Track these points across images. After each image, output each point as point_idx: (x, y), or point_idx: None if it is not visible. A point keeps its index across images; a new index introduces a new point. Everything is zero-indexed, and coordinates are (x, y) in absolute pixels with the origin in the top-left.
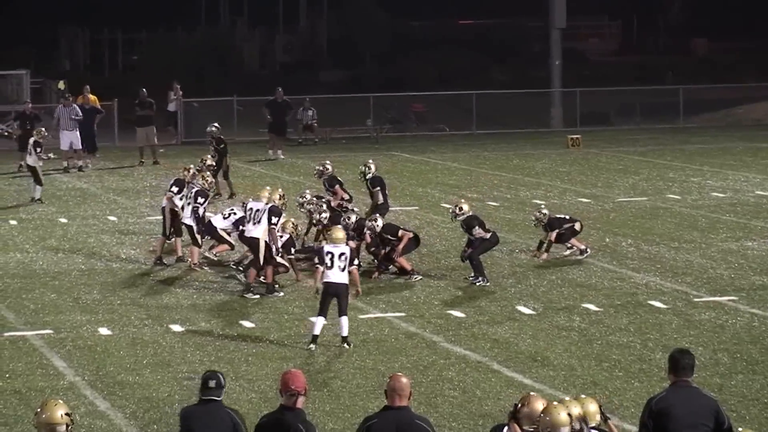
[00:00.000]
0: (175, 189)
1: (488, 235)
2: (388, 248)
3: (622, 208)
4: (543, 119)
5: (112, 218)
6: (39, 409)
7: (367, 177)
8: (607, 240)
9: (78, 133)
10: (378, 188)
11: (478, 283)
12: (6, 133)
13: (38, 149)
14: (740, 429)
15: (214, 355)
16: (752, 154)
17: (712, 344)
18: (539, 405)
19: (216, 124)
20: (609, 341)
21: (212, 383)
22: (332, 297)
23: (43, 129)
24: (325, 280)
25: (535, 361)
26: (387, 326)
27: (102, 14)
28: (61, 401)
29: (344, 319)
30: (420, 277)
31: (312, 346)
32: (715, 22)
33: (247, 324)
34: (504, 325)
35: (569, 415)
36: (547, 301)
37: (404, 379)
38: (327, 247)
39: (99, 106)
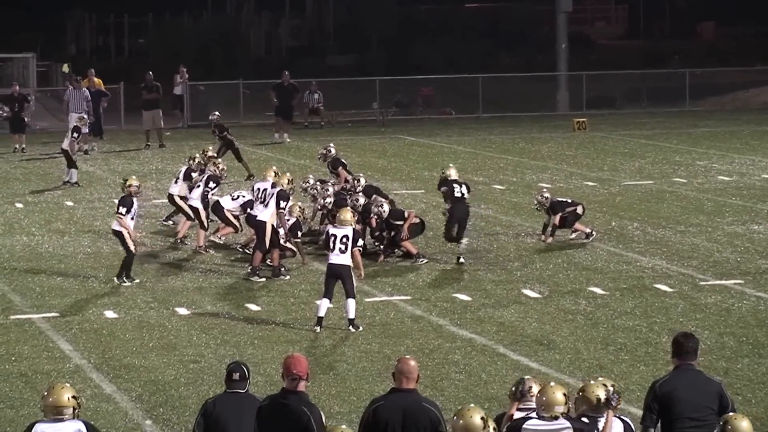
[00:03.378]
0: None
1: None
2: (393, 233)
3: (628, 192)
4: (549, 103)
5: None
6: (46, 393)
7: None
8: (613, 223)
9: (86, 116)
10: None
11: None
12: (4, 113)
13: (75, 134)
14: (731, 414)
15: (220, 338)
16: (758, 138)
17: (718, 328)
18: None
19: (217, 112)
20: (615, 325)
21: (236, 375)
22: (336, 279)
23: (86, 116)
24: (329, 261)
25: (541, 344)
26: (393, 310)
27: None
28: (68, 384)
29: (350, 302)
30: (426, 261)
31: (317, 328)
32: (721, 6)
33: (253, 307)
34: (510, 309)
35: (564, 395)
36: (553, 285)
37: (412, 362)
38: (331, 230)
39: (104, 89)
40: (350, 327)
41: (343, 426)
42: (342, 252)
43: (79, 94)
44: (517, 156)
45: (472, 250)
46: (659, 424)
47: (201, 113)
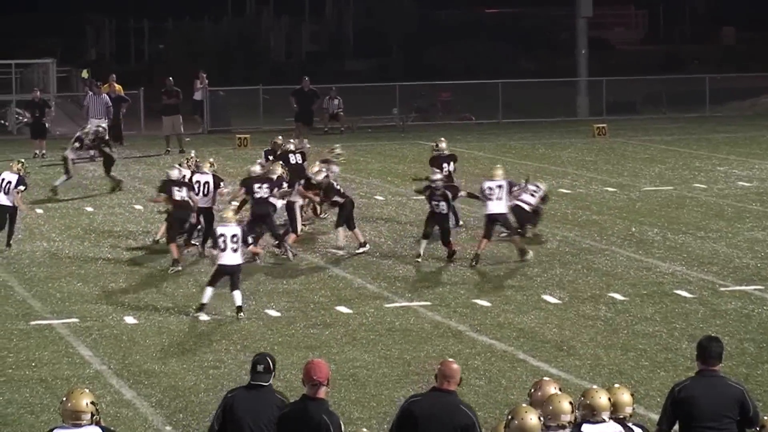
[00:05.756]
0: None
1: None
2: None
3: (648, 197)
4: (569, 108)
5: (138, 207)
6: (64, 398)
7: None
8: (633, 229)
9: (106, 122)
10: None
11: None
12: (25, 119)
13: (77, 144)
14: (766, 417)
15: (240, 344)
16: None
17: (738, 334)
18: (552, 389)
19: (104, 124)
20: (635, 330)
21: (260, 367)
22: (225, 275)
23: (103, 124)
24: (219, 262)
25: (560, 350)
26: (413, 315)
27: (128, 3)
28: (87, 390)
29: (237, 293)
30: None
31: (199, 314)
32: (741, 11)
33: (272, 313)
34: (530, 315)
35: (571, 403)
36: (573, 291)
37: (455, 366)
38: (219, 229)
39: (124, 95)
40: (239, 314)
41: (364, 429)
42: (234, 251)
43: (98, 100)
44: (537, 162)
45: (491, 256)
46: (678, 427)
47: (221, 119)
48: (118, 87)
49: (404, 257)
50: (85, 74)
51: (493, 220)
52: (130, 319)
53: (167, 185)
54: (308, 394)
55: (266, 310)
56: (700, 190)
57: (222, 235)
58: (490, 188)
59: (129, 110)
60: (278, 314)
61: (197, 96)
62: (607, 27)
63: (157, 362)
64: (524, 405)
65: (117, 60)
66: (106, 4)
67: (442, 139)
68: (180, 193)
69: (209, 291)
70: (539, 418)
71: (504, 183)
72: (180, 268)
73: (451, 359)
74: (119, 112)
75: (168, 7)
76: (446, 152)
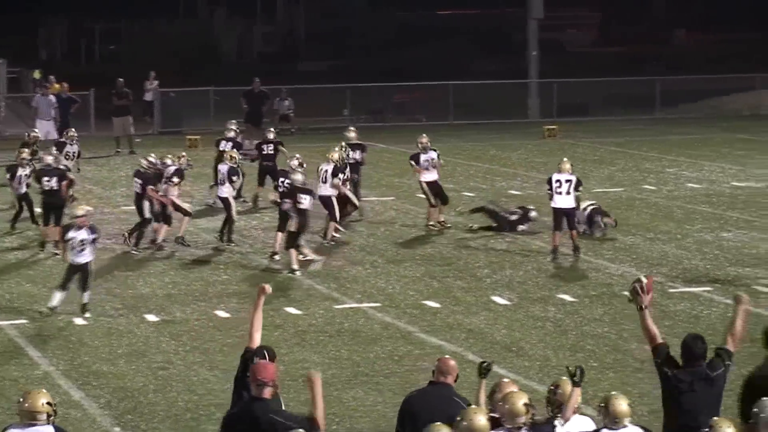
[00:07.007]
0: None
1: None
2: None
3: (598, 199)
4: (520, 110)
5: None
6: (21, 398)
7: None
8: (582, 230)
9: (54, 122)
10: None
11: None
12: None
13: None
14: (715, 418)
15: (189, 345)
16: (728, 145)
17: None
18: (511, 389)
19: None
20: (584, 332)
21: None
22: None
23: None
24: (74, 261)
25: (510, 351)
26: (362, 316)
27: (81, 4)
28: (44, 390)
29: (87, 294)
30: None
31: (48, 309)
32: (693, 14)
33: (222, 314)
34: (479, 316)
35: (526, 404)
36: (523, 292)
37: (451, 362)
38: (73, 233)
39: (73, 96)
40: (85, 312)
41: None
42: (82, 251)
43: (45, 101)
44: (488, 163)
45: (441, 258)
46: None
47: (171, 120)
48: (60, 87)
49: (353, 258)
50: (37, 75)
51: (561, 213)
52: (79, 320)
53: (40, 173)
54: (254, 394)
55: (216, 311)
56: (649, 192)
57: (73, 238)
58: (558, 181)
59: (79, 111)
60: (228, 315)
61: (148, 97)
62: (561, 29)
63: (105, 363)
64: (473, 406)
65: (68, 60)
66: (59, 5)
67: (352, 128)
68: (49, 183)
69: (60, 295)
70: (488, 419)
71: (573, 178)
72: (51, 251)
73: (448, 356)
74: (68, 112)
75: (121, 9)
76: (354, 141)
